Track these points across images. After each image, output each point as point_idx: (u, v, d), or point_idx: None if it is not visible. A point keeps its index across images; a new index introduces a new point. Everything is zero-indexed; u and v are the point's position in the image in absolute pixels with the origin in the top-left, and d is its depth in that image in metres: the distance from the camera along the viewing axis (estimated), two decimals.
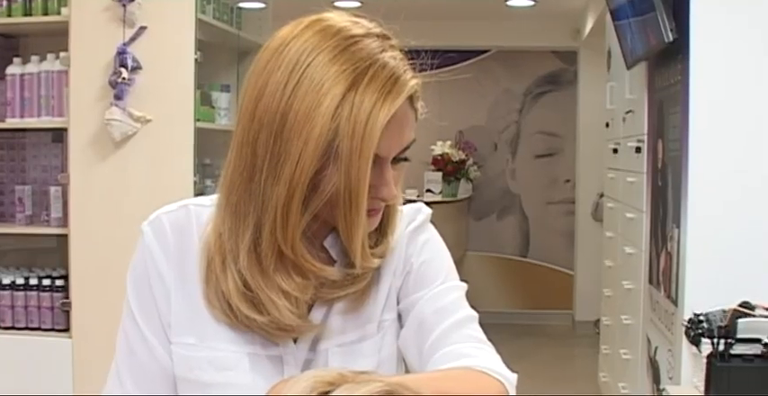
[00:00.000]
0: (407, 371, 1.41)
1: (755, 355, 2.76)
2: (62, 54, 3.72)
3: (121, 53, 3.58)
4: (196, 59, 3.62)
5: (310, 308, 1.34)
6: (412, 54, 1.30)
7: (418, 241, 1.41)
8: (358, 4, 6.36)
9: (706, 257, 3.07)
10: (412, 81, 1.26)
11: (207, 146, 3.73)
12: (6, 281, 3.78)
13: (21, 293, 3.77)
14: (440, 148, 7.63)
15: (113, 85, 3.57)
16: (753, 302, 2.91)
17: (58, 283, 3.75)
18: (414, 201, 1.46)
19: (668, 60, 3.45)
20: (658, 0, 3.19)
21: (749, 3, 3.04)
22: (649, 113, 3.97)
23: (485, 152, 8.08)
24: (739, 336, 2.80)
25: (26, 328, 3.74)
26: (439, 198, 7.44)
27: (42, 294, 3.74)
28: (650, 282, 3.84)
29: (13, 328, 3.75)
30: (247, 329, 1.31)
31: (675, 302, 3.23)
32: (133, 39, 3.59)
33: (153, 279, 1.36)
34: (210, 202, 1.38)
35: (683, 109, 3.14)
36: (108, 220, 3.53)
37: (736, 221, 3.05)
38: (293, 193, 1.22)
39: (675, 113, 3.31)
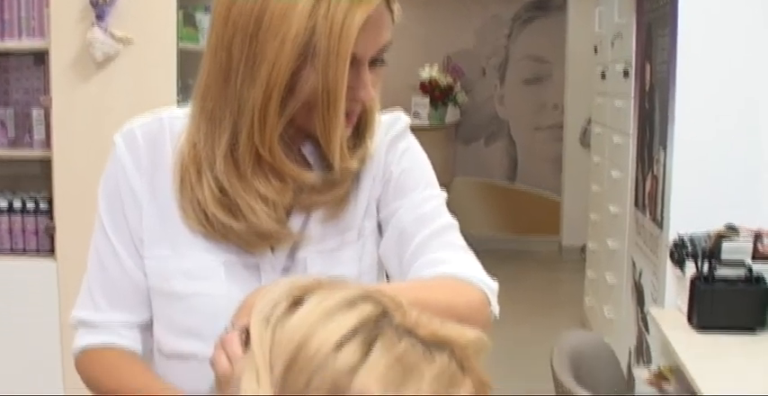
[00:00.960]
0: (389, 282, 1.41)
1: (739, 279, 2.79)
2: None
3: None
4: None
5: (288, 215, 1.33)
6: None
7: (398, 149, 1.40)
8: None
9: (692, 180, 3.08)
10: None
11: (190, 67, 3.69)
12: None
13: (5, 217, 3.77)
14: (427, 71, 7.57)
15: (94, 5, 3.51)
16: (737, 225, 2.93)
17: (43, 206, 3.74)
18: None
19: None
20: None
21: None
22: (637, 37, 3.94)
23: (473, 77, 8.02)
24: (723, 258, 2.82)
25: (11, 251, 3.75)
26: (426, 123, 7.40)
27: (27, 218, 3.74)
28: (636, 205, 3.86)
29: None
30: (223, 239, 1.31)
31: (660, 225, 3.25)
32: None
33: (124, 193, 1.35)
34: (184, 113, 1.36)
35: (671, 31, 3.12)
36: (91, 141, 3.51)
37: (722, 144, 3.05)
38: (270, 94, 1.20)
39: (664, 36, 3.28)
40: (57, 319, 3.55)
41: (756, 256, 2.86)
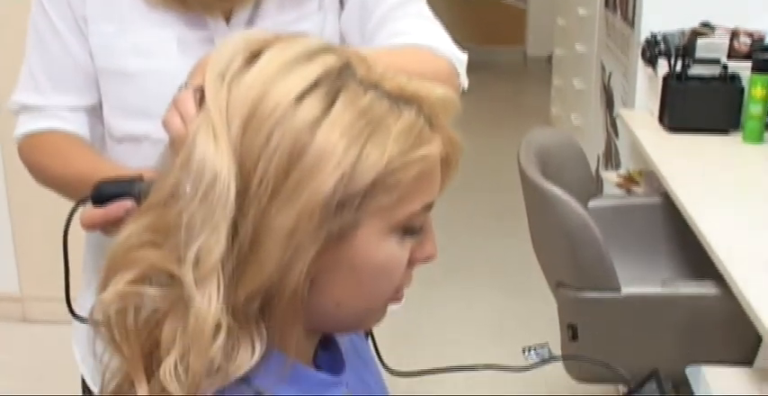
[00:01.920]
0: None
1: (713, 77, 2.72)
2: None
3: None
4: None
5: None
6: None
7: None
8: None
9: None
10: None
11: None
12: None
13: None
14: None
15: None
16: (713, 23, 2.84)
17: None
18: None
19: None
20: None
21: None
22: None
23: None
24: (698, 56, 2.74)
25: None
26: None
27: None
28: (606, 5, 3.75)
29: None
30: (181, 4, 1.23)
31: (632, 24, 3.15)
32: None
33: None
34: None
35: None
36: None
37: None
38: None
39: None
40: None
41: (732, 54, 2.78)
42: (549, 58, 6.06)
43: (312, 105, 0.81)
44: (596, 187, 2.80)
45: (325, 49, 0.85)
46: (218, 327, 0.80)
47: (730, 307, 1.81)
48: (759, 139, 2.60)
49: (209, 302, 0.80)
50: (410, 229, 0.87)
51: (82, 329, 1.40)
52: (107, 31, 1.26)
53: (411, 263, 0.89)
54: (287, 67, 0.83)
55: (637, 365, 1.20)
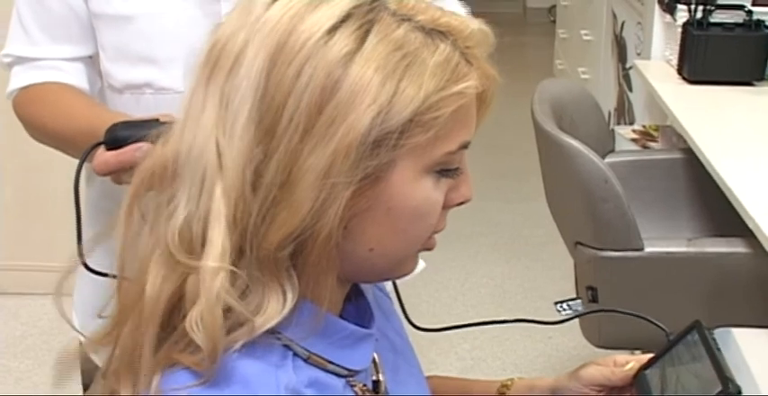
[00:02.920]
0: None
1: (737, 24, 2.71)
2: None
3: None
4: None
5: None
6: None
7: None
8: None
9: None
10: None
11: None
12: None
13: None
14: None
15: None
16: None
17: None
18: None
19: None
20: None
21: None
22: None
23: None
24: (720, 2, 2.74)
25: None
26: None
27: None
28: None
29: None
30: None
31: None
32: None
33: None
34: None
35: None
36: None
37: None
38: None
39: None
40: None
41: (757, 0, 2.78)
42: (551, 9, 6.05)
43: (344, 38, 0.80)
44: (611, 143, 2.80)
45: None
46: (231, 278, 0.81)
47: (761, 266, 1.82)
48: None
49: (214, 256, 0.80)
50: (446, 170, 0.87)
51: (84, 295, 1.41)
52: None
53: (446, 206, 0.90)
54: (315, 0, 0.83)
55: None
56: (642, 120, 3.24)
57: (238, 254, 0.82)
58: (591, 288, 2.05)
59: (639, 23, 3.29)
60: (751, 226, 1.83)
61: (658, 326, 1.15)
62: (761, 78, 2.70)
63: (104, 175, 1.07)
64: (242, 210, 0.81)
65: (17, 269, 3.41)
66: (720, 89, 2.67)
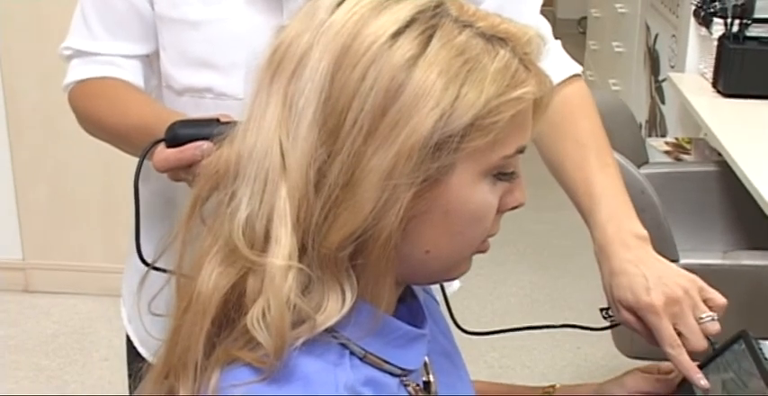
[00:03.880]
0: None
1: None
2: None
3: None
4: None
5: None
6: None
7: None
8: None
9: None
10: None
11: None
12: None
13: None
14: None
15: None
16: None
17: None
18: None
19: None
20: None
21: None
22: None
23: None
24: (757, 16, 2.74)
25: None
26: None
27: None
28: None
29: None
30: None
31: None
32: None
33: None
34: None
35: None
36: None
37: None
38: None
39: None
40: None
41: None
42: (580, 21, 6.03)
43: (408, 43, 0.82)
44: (645, 155, 2.81)
45: None
46: (298, 277, 0.82)
47: None
48: None
49: (282, 255, 0.82)
50: (503, 174, 0.88)
51: (132, 290, 1.43)
52: None
53: (500, 210, 0.91)
54: (380, 4, 0.84)
55: None
56: (675, 132, 3.24)
57: (300, 253, 0.83)
58: None
59: (674, 36, 3.29)
60: None
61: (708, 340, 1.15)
62: None
63: (163, 171, 1.08)
64: (305, 210, 0.83)
65: (50, 269, 3.45)
66: (756, 103, 2.68)
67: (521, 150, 0.89)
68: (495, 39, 0.86)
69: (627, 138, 2.48)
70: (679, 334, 1.11)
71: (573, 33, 6.98)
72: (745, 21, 2.72)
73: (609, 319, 1.19)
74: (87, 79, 1.32)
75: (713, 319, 1.13)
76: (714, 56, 2.78)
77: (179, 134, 1.07)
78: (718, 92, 2.76)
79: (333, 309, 0.84)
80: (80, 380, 2.97)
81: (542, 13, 1.39)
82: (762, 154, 2.31)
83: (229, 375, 0.84)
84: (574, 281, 3.54)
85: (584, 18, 6.24)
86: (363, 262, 0.85)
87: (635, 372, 1.17)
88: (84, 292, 3.36)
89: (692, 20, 2.99)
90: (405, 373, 0.93)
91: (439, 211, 0.86)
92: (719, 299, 1.15)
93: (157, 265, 0.95)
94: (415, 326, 0.95)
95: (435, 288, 1.14)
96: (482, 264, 3.49)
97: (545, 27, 1.38)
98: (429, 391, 0.99)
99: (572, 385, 1.24)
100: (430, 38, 0.83)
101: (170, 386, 0.88)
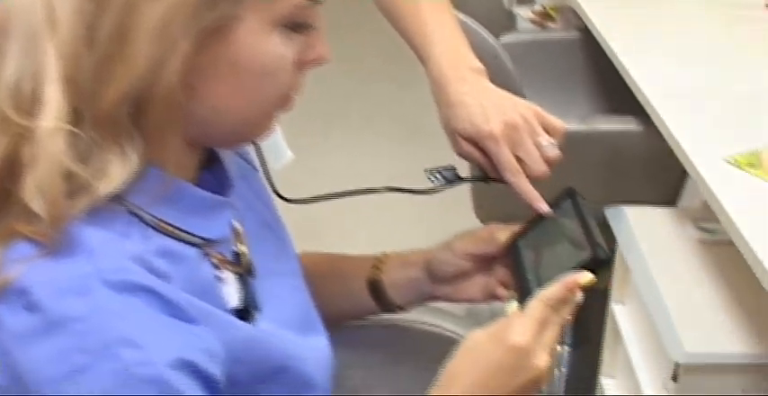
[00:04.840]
0: None
1: None
2: None
3: None
4: None
5: None
6: None
7: None
8: None
9: None
10: None
11: None
12: None
13: None
14: None
15: None
16: None
17: None
18: None
19: None
20: None
21: None
22: None
23: None
24: None
25: None
26: None
27: None
28: None
29: None
30: None
31: None
32: None
33: None
34: None
35: None
36: None
37: None
38: None
39: None
40: None
41: None
42: None
43: None
44: (509, 24, 2.76)
45: None
46: (72, 141, 0.77)
47: (653, 144, 1.81)
48: None
49: (51, 117, 0.76)
50: (297, 25, 0.83)
51: None
52: None
53: (300, 65, 0.87)
54: None
55: None
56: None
57: (76, 116, 0.77)
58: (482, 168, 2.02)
59: None
60: (642, 103, 1.81)
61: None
62: None
63: None
64: (76, 67, 0.77)
65: None
66: None
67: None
68: None
69: (485, 3, 2.42)
70: (520, 161, 1.09)
71: None
72: None
73: (435, 182, 1.15)
74: None
75: (552, 145, 1.13)
76: None
77: None
78: None
79: (116, 174, 0.78)
80: None
81: None
82: (622, 20, 2.27)
83: (11, 251, 0.78)
84: (434, 152, 3.50)
85: None
86: (146, 122, 0.79)
87: (464, 235, 1.14)
88: None
89: None
90: (207, 243, 0.88)
91: (226, 64, 0.80)
92: (558, 124, 1.16)
93: None
94: (220, 193, 0.90)
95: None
96: (340, 140, 3.47)
97: None
98: (240, 263, 0.94)
99: (403, 252, 1.22)
100: None
101: None
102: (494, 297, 1.15)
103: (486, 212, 2.14)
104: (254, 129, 0.89)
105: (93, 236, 0.78)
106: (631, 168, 2.08)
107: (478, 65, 1.17)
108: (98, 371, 0.73)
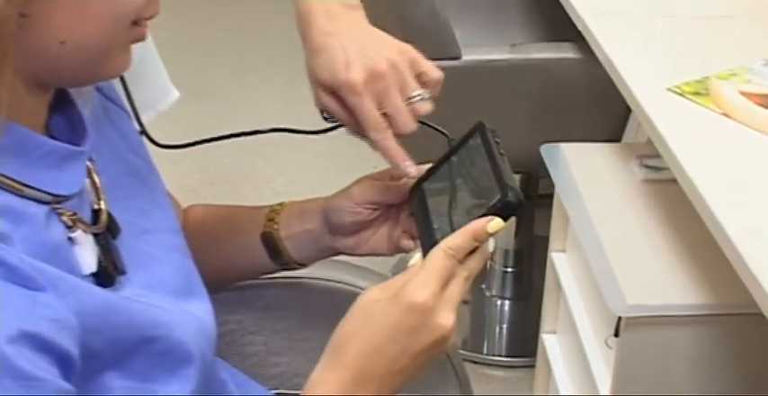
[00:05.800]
0: None
1: None
2: None
3: None
4: None
5: None
6: None
7: None
8: None
9: None
10: None
11: None
12: None
13: None
14: None
15: None
16: None
17: None
18: None
19: None
20: None
21: None
22: None
23: None
24: None
25: None
26: None
27: None
28: None
29: None
30: None
31: None
32: None
33: None
34: None
35: None
36: None
37: None
38: None
39: None
40: None
41: None
42: None
43: None
44: None
45: None
46: None
47: (593, 74, 1.78)
48: None
49: None
50: None
51: None
52: None
53: None
54: None
55: None
56: None
57: None
58: None
59: None
60: (580, 27, 1.78)
61: (438, 130, 1.09)
62: None
63: None
64: None
65: None
66: None
67: None
68: None
69: None
70: (386, 115, 1.03)
71: None
72: None
73: (330, 121, 1.10)
74: None
75: (423, 99, 1.05)
76: None
77: None
78: None
79: None
80: None
81: None
82: None
83: None
84: None
85: None
86: None
87: (363, 180, 1.11)
88: None
89: None
90: (58, 199, 0.84)
91: None
92: (434, 73, 1.07)
93: None
94: (74, 143, 0.86)
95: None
96: (268, 79, 3.38)
97: None
98: (98, 221, 0.90)
99: (301, 201, 1.19)
100: None
101: None
102: (400, 249, 1.12)
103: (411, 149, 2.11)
104: (107, 65, 0.85)
105: None
106: (569, 102, 2.05)
107: (354, 1, 1.10)
108: None
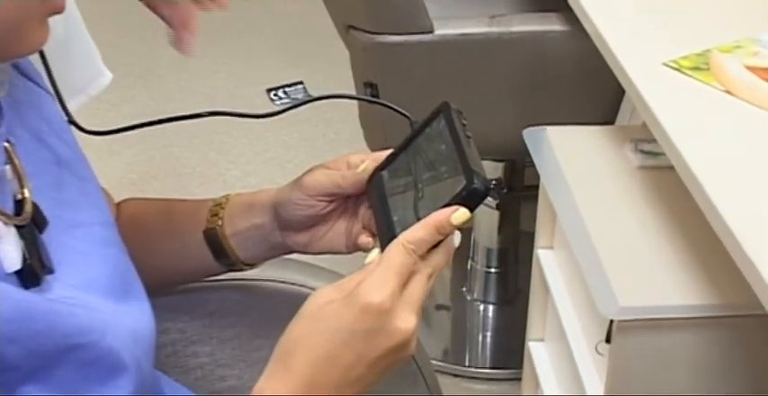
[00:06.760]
0: None
1: None
2: None
3: None
4: None
5: None
6: None
7: None
8: None
9: None
10: None
11: None
12: None
13: None
14: None
15: None
16: None
17: None
18: None
19: None
20: None
21: None
22: None
23: None
24: None
25: None
26: None
27: None
28: None
29: None
30: None
31: None
32: None
33: None
34: None
35: None
36: None
37: None
38: None
39: None
40: None
41: None
42: None
43: None
44: None
45: None
46: None
47: (583, 48, 1.79)
48: None
49: None
50: None
51: None
52: None
53: None
54: None
55: None
56: None
57: None
58: (369, 84, 1.99)
59: None
60: None
61: (399, 112, 1.08)
62: None
63: None
64: None
65: None
66: None
67: None
68: None
69: None
70: None
71: None
72: None
73: (277, 102, 1.11)
74: None
75: None
76: None
77: None
78: None
79: None
80: None
81: None
82: None
83: None
84: (329, 66, 3.48)
85: None
86: None
87: (315, 169, 1.10)
88: None
89: None
90: None
91: None
92: None
93: None
94: None
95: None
96: (226, 56, 3.44)
97: None
98: (21, 212, 0.89)
99: (249, 193, 1.18)
100: None
101: None
102: (359, 247, 1.11)
103: (372, 135, 2.10)
104: (22, 39, 0.85)
105: None
106: (556, 80, 2.05)
107: None
108: None
